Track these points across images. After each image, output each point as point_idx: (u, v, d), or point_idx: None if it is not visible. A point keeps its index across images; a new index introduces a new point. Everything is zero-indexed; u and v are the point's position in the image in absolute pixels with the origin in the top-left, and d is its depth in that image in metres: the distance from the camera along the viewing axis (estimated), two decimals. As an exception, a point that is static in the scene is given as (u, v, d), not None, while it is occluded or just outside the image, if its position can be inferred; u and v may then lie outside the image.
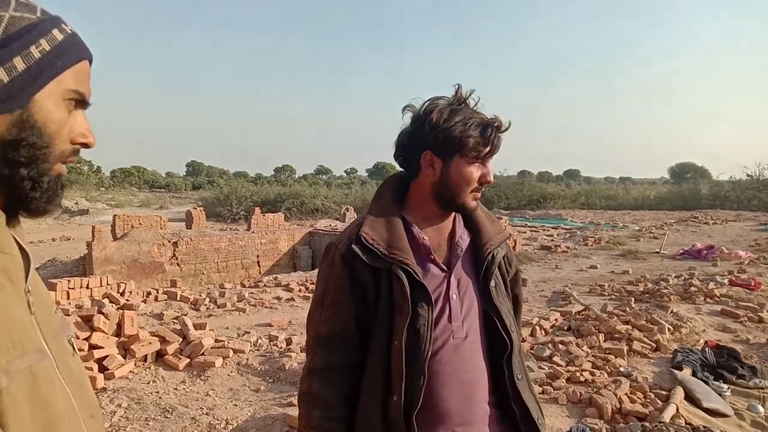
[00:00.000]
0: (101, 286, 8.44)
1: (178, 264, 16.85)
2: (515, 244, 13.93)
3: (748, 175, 34.78)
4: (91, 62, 0.85)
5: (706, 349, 5.26)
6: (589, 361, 4.87)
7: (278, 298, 8.64)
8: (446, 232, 1.41)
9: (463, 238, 1.41)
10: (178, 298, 8.22)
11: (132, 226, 17.04)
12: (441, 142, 1.31)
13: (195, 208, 22.25)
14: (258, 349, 5.61)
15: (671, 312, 6.65)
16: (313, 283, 9.76)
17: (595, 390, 4.19)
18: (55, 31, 0.78)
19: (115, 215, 17.48)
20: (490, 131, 1.32)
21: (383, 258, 1.29)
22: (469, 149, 1.31)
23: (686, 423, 3.70)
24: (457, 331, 1.33)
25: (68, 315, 5.15)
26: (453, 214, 1.42)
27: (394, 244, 1.31)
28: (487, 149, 1.33)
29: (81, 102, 0.82)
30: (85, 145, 0.84)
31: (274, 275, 11.25)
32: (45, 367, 0.75)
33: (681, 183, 46.00)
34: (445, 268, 1.37)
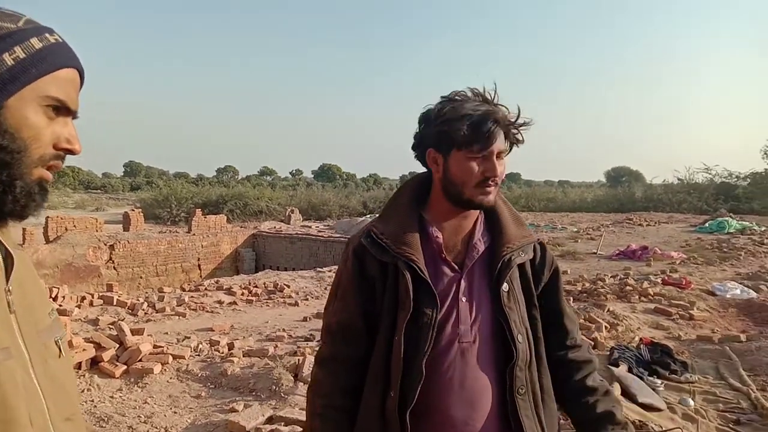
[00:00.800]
0: (32, 291, 8.06)
1: (114, 268, 16.35)
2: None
3: (678, 179, 36.29)
4: (80, 72, 0.86)
5: (641, 346, 5.45)
6: (530, 359, 4.97)
7: (220, 302, 8.48)
8: (464, 232, 1.38)
9: (482, 240, 1.37)
10: (115, 303, 7.95)
11: (66, 229, 16.42)
12: (438, 137, 1.31)
13: (133, 210, 21.61)
14: (198, 355, 5.47)
15: (608, 310, 6.87)
16: (256, 287, 9.64)
17: (536, 388, 4.27)
18: (34, 40, 0.79)
19: (47, 217, 16.79)
20: (486, 125, 1.27)
21: (391, 253, 1.30)
22: (462, 143, 1.28)
23: (622, 418, 3.82)
24: (465, 335, 1.30)
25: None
26: (475, 214, 1.38)
27: (402, 240, 1.31)
28: (481, 144, 1.28)
29: (64, 109, 0.82)
30: (70, 151, 0.84)
31: (216, 278, 11.03)
32: (9, 367, 0.74)
33: (617, 186, 47.52)
34: (457, 268, 1.34)
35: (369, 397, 1.32)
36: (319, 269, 12.20)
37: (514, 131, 1.32)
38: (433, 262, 1.33)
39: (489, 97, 1.31)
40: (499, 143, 1.30)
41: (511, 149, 1.35)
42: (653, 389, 4.51)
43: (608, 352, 5.26)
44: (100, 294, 8.55)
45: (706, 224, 19.70)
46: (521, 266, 1.36)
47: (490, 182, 1.30)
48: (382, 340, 1.31)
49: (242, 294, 9.15)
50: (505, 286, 1.31)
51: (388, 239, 1.32)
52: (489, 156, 1.29)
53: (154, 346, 5.40)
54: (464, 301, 1.31)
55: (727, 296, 8.34)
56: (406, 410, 1.25)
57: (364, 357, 1.35)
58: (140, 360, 5.07)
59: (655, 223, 22.30)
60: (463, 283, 1.33)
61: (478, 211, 1.40)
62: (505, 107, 1.32)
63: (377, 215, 1.44)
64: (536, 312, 1.37)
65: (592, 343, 5.54)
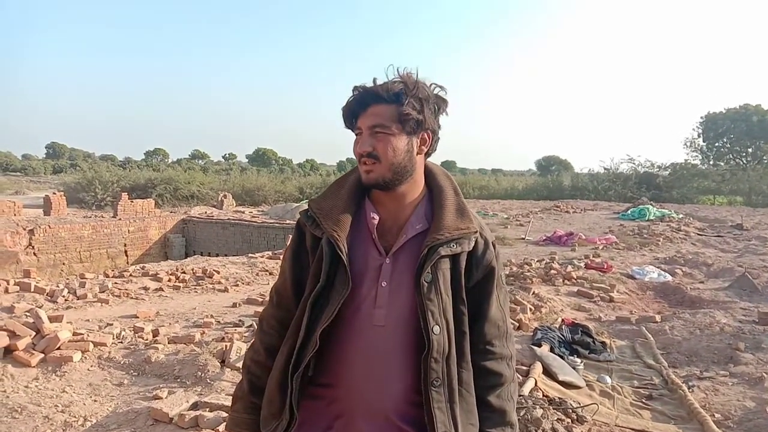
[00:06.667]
0: (-60, 277, 7.60)
1: (34, 253, 15.60)
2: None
3: (605, 169, 37.82)
4: None
5: (563, 326, 5.65)
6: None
7: (145, 288, 8.21)
8: (403, 217, 1.37)
9: (415, 227, 1.35)
10: (32, 290, 7.57)
11: (-20, 213, 15.50)
12: None
13: (54, 194, 20.64)
14: (121, 342, 5.29)
15: (533, 293, 7.09)
16: (184, 273, 9.41)
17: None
18: None
19: (-41, 200, 15.81)
20: (348, 103, 1.33)
21: (321, 227, 1.32)
22: (346, 126, 1.37)
23: (543, 395, 3.96)
24: (378, 319, 1.30)
25: None
26: (411, 198, 1.38)
27: (332, 217, 1.33)
28: (346, 123, 1.35)
29: None
30: None
31: (142, 264, 10.68)
32: None
33: (546, 175, 48.96)
34: (384, 252, 1.33)
35: (279, 357, 1.38)
36: (251, 255, 11.99)
37: (388, 97, 1.29)
38: (362, 243, 1.34)
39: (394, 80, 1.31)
40: (368, 118, 1.31)
41: (406, 122, 1.30)
42: (573, 368, 4.69)
43: (532, 333, 5.43)
44: (17, 280, 8.12)
45: (629, 211, 20.62)
46: (455, 257, 1.33)
47: (362, 160, 1.32)
48: (300, 308, 1.36)
49: (169, 280, 8.88)
50: (427, 276, 1.28)
51: (320, 214, 1.35)
52: (360, 133, 1.33)
53: (74, 334, 5.18)
54: (384, 285, 1.31)
55: (645, 279, 8.77)
56: (295, 373, 1.30)
57: (290, 321, 1.40)
58: (59, 348, 4.85)
59: (581, 210, 23.16)
60: (386, 268, 1.32)
61: (419, 195, 1.40)
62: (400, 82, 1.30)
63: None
64: (463, 306, 1.34)
65: (517, 324, 5.70)
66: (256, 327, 1.51)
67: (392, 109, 1.29)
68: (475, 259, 1.36)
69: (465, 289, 1.35)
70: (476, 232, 1.36)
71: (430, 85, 1.34)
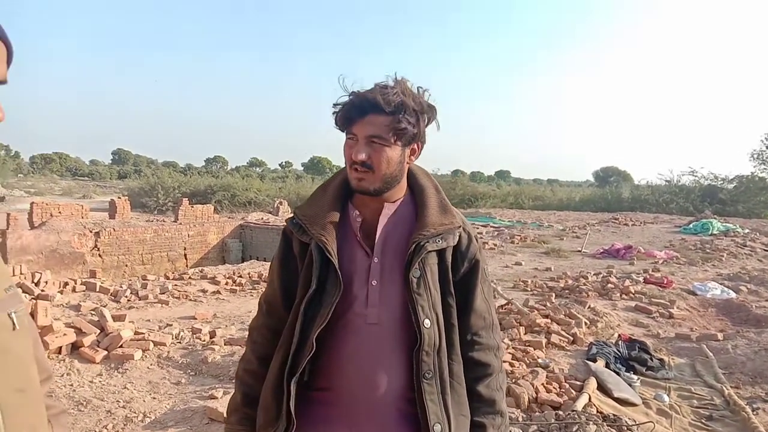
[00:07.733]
0: (14, 275, 8.02)
1: (99, 255, 16.25)
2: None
3: (666, 181, 36.69)
4: (7, 45, 0.85)
5: (620, 342, 5.51)
6: (509, 352, 5.00)
7: (204, 291, 8.45)
8: (386, 217, 1.39)
9: (400, 225, 1.38)
10: (98, 290, 7.91)
11: (51, 215, 16.28)
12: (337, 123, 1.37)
13: (119, 198, 21.45)
14: (180, 342, 5.47)
15: (589, 307, 6.93)
16: (240, 276, 9.62)
17: (513, 380, 4.30)
18: None
19: (32, 203, 16.64)
20: (344, 109, 1.32)
21: (308, 233, 1.34)
22: (340, 128, 1.35)
23: (597, 411, 3.87)
24: (371, 317, 1.32)
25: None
26: (394, 198, 1.40)
27: (318, 222, 1.34)
28: (341, 125, 1.34)
29: None
30: None
31: (201, 268, 10.99)
32: None
33: (604, 186, 47.83)
34: (371, 252, 1.36)
35: (274, 362, 1.38)
36: (305, 261, 12.17)
37: (389, 109, 1.27)
38: (349, 245, 1.36)
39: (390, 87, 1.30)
40: (366, 127, 1.30)
41: (403, 135, 1.31)
42: (629, 384, 4.56)
43: (587, 348, 5.32)
44: (83, 280, 8.50)
45: (691, 225, 19.89)
46: (441, 252, 1.36)
47: (353, 166, 1.32)
48: (294, 313, 1.36)
49: (226, 283, 9.11)
50: (415, 272, 1.31)
51: (306, 220, 1.36)
52: (353, 139, 1.33)
53: (136, 333, 5.39)
54: (374, 284, 1.34)
55: (708, 296, 8.44)
56: (291, 379, 1.30)
57: (281, 329, 1.40)
58: (121, 346, 5.06)
59: (641, 223, 22.49)
60: (374, 267, 1.35)
61: (401, 196, 1.42)
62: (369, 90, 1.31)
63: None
64: (451, 299, 1.37)
65: (572, 338, 5.59)
66: (247, 338, 1.52)
67: (390, 120, 1.29)
68: (460, 253, 1.40)
69: (452, 281, 1.38)
70: (460, 226, 1.40)
71: (418, 89, 1.34)
